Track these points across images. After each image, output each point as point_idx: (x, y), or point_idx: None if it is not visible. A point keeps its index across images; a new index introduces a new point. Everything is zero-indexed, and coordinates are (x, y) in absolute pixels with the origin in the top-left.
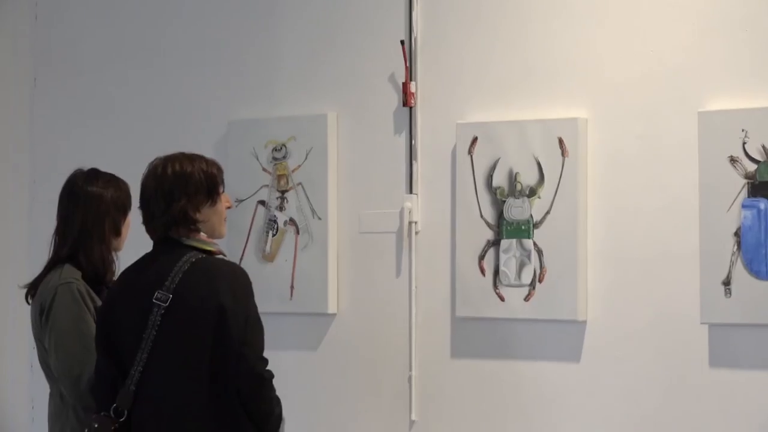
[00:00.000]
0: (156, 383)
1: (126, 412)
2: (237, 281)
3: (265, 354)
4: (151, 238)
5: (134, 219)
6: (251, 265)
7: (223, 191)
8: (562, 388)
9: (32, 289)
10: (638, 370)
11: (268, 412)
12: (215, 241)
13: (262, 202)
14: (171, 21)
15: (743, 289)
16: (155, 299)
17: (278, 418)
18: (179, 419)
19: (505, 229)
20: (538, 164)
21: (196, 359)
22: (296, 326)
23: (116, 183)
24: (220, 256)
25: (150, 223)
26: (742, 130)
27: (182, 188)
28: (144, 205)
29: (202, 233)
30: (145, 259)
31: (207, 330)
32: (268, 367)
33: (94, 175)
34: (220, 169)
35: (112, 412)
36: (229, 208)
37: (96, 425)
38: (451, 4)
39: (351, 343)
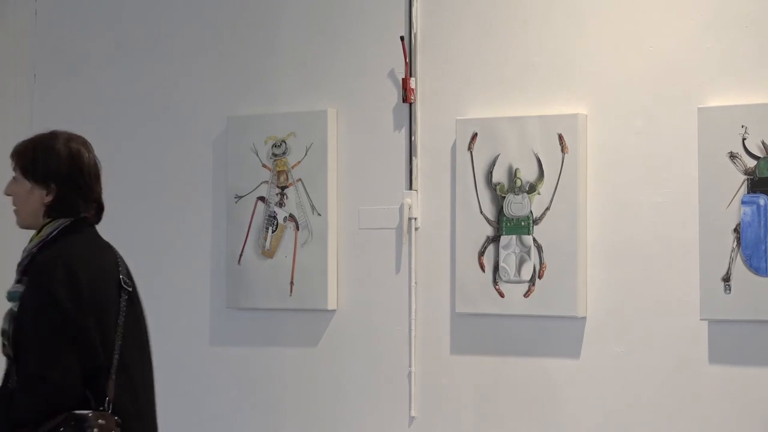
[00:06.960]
0: (132, 369)
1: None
2: None
3: (266, 349)
4: (91, 218)
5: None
6: (251, 262)
7: None
8: (562, 385)
9: None
10: (638, 367)
11: None
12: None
13: (261, 198)
14: (171, 17)
15: (743, 286)
16: (124, 283)
17: None
18: (153, 402)
19: (505, 225)
20: (538, 160)
21: (149, 342)
22: (296, 322)
23: None
24: None
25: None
26: (742, 126)
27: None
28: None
29: None
30: (95, 237)
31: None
32: None
33: None
34: None
35: (107, 405)
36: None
37: (102, 422)
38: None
39: (351, 340)
